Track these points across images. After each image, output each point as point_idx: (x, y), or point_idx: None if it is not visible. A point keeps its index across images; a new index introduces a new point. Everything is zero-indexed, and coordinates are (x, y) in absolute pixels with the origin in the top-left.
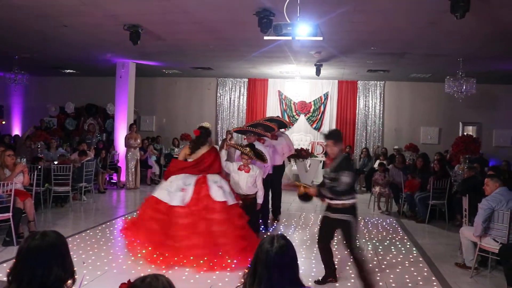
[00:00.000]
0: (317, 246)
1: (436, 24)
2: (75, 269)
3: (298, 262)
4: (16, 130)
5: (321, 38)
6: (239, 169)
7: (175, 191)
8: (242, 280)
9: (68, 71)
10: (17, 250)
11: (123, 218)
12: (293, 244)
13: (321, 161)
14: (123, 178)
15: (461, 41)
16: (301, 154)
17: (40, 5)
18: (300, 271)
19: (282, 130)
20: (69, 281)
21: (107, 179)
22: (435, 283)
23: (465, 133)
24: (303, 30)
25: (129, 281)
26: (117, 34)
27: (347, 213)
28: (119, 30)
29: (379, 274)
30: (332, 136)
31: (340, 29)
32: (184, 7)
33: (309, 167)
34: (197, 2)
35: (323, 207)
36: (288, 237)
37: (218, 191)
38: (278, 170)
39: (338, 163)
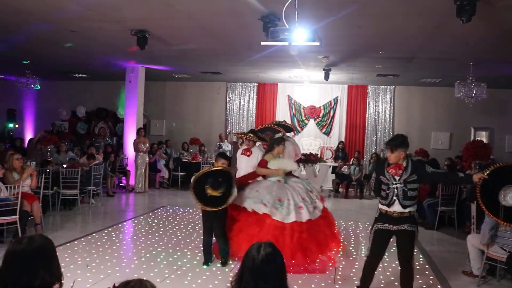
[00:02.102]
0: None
1: (443, 28)
2: (75, 274)
3: (285, 269)
4: (29, 134)
5: (318, 43)
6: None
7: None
8: (229, 285)
9: (78, 75)
10: (4, 254)
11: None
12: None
13: (330, 166)
14: (132, 182)
15: (469, 45)
16: (310, 159)
17: (48, 10)
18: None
19: (289, 134)
20: (56, 285)
21: (116, 182)
22: None
23: (477, 139)
24: (300, 35)
25: (114, 285)
26: (125, 39)
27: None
28: (126, 35)
29: (383, 282)
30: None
31: (346, 33)
32: (188, 12)
33: (318, 172)
34: (200, 7)
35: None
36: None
37: None
38: None
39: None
